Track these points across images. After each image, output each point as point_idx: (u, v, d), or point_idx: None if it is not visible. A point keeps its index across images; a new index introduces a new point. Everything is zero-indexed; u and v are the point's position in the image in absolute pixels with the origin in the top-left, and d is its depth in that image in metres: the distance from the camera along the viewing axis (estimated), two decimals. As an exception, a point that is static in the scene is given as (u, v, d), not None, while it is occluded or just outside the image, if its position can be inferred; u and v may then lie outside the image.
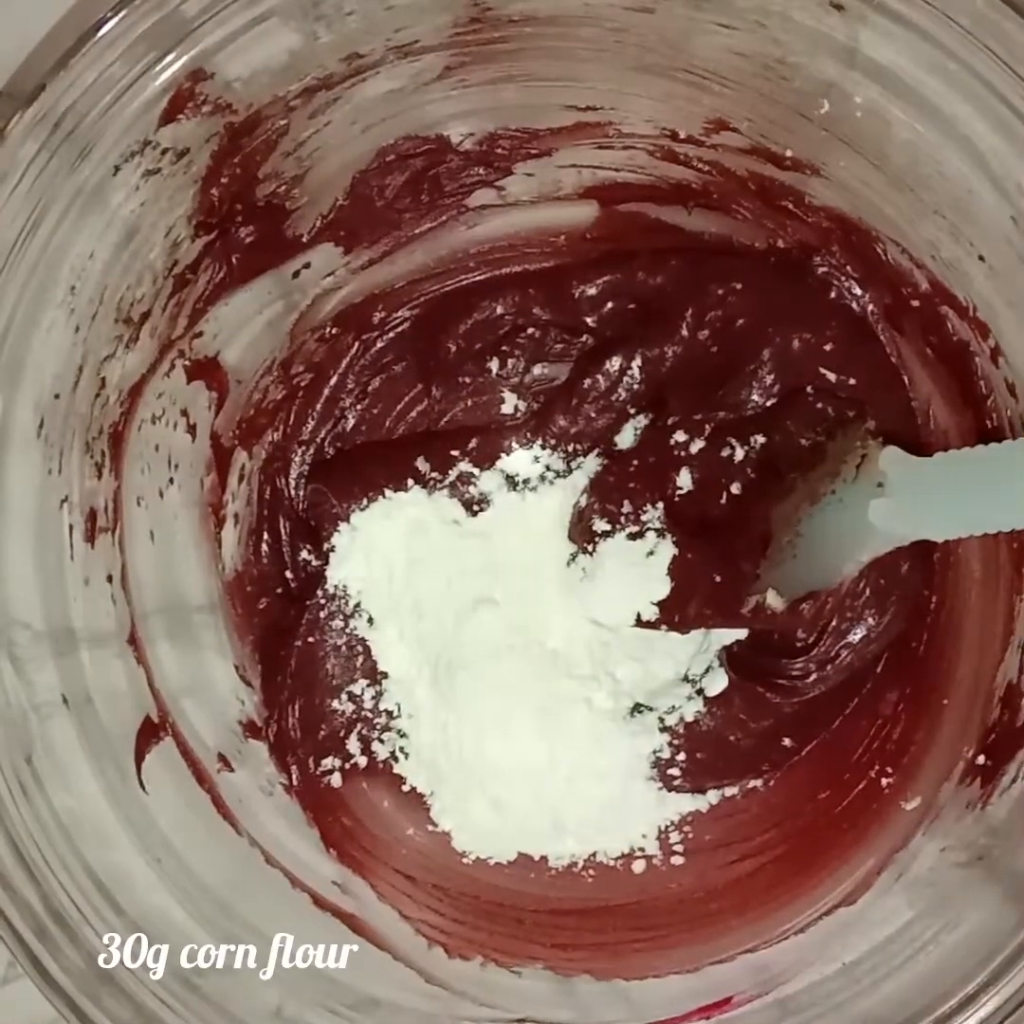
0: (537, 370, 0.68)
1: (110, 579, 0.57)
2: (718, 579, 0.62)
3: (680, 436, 0.65)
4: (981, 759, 0.59)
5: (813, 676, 0.65)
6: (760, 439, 0.64)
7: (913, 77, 0.52)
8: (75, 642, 0.54)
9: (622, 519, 0.64)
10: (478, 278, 0.69)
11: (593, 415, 0.67)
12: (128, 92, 0.50)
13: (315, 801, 0.64)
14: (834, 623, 0.64)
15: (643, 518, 0.64)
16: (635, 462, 0.65)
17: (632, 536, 0.64)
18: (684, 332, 0.65)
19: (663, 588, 0.63)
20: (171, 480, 0.62)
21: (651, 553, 0.64)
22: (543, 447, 0.67)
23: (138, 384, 0.58)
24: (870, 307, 0.64)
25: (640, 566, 0.64)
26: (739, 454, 0.64)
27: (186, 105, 0.52)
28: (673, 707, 0.66)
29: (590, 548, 0.65)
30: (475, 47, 0.57)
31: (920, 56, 0.51)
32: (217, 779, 0.60)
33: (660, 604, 0.63)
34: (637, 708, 0.66)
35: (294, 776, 0.64)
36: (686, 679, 0.66)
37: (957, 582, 0.64)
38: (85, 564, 0.56)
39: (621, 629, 0.64)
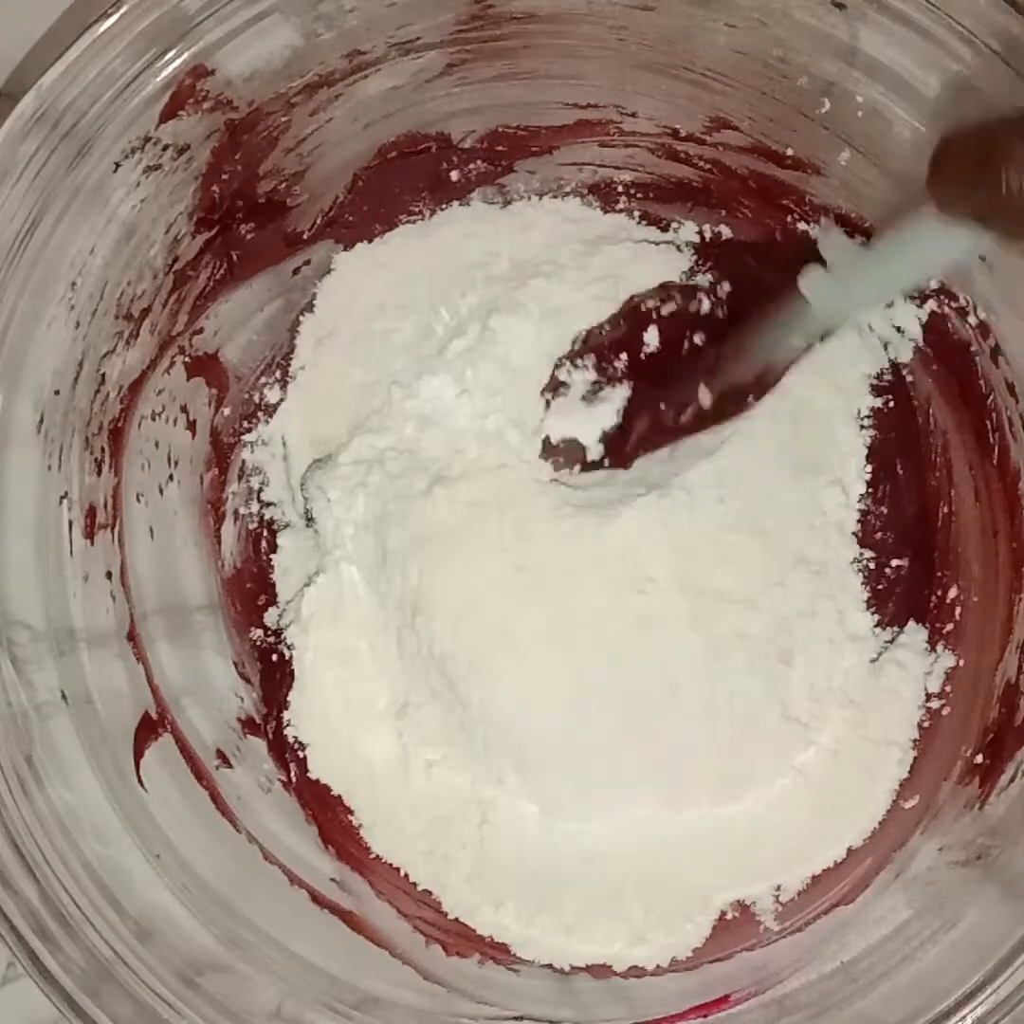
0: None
1: (109, 576, 0.57)
2: (662, 406, 0.62)
3: (651, 301, 0.64)
4: (980, 758, 0.59)
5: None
6: (726, 287, 0.63)
7: (914, 76, 0.52)
8: (75, 640, 0.54)
9: (586, 370, 0.63)
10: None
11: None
12: (128, 88, 0.50)
13: (313, 798, 0.64)
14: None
15: (607, 372, 0.63)
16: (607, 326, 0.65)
17: (593, 385, 0.63)
18: None
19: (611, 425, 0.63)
20: (171, 477, 0.62)
21: (605, 399, 0.63)
22: None
23: (138, 380, 0.58)
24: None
25: (593, 408, 0.63)
26: (705, 306, 0.63)
27: (187, 101, 0.52)
28: None
29: (551, 397, 0.64)
30: (476, 44, 0.57)
31: (921, 55, 0.51)
32: (215, 776, 0.60)
33: (605, 439, 0.62)
34: None
35: (292, 773, 0.64)
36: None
37: (956, 581, 0.64)
38: (84, 561, 0.56)
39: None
